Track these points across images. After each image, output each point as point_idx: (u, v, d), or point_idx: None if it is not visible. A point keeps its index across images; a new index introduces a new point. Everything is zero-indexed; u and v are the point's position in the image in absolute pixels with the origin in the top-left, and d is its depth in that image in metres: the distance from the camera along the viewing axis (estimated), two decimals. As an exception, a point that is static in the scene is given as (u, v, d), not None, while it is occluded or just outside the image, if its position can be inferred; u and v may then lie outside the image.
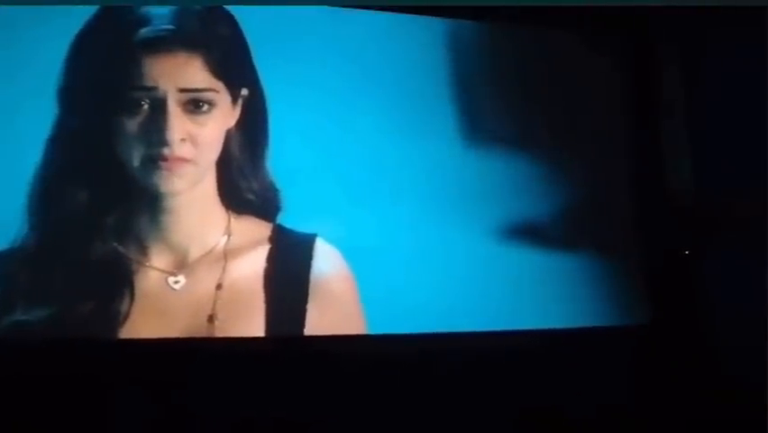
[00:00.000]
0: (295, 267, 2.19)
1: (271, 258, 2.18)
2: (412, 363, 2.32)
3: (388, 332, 2.32)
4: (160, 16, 2.07)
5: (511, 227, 2.54)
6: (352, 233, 2.32)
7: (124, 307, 2.06)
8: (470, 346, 2.40)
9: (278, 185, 2.21)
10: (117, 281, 2.07)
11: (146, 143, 2.04)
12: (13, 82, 2.12)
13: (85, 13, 2.11)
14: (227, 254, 2.15)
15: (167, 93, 2.04)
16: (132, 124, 2.04)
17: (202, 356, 2.15)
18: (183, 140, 2.05)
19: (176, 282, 2.11)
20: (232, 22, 2.20)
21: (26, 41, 2.15)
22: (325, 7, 2.45)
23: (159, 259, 2.11)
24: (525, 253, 2.53)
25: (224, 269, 2.14)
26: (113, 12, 2.10)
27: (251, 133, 2.18)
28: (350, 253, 2.27)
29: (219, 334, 2.11)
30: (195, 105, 2.07)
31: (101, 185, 2.08)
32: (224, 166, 2.15)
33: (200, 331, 2.10)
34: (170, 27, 2.06)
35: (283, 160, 2.25)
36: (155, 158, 2.04)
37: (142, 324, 2.06)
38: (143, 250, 2.11)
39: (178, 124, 2.04)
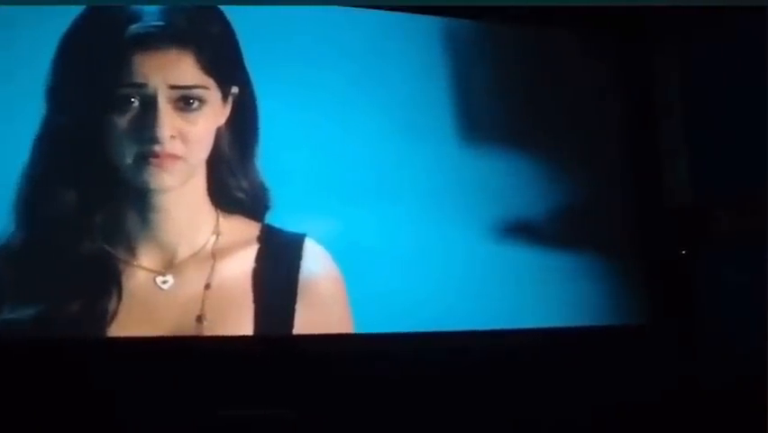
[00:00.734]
0: (284, 267, 2.19)
1: (260, 258, 2.18)
2: (406, 362, 2.32)
3: (384, 330, 2.33)
4: (151, 13, 2.07)
5: (508, 227, 2.54)
6: (350, 232, 2.33)
7: (112, 306, 2.06)
8: (465, 346, 2.41)
9: (269, 184, 2.20)
10: (105, 281, 2.07)
11: (137, 140, 2.04)
12: (5, 81, 2.12)
13: (75, 13, 2.11)
14: (216, 254, 2.14)
15: (157, 90, 2.04)
16: (123, 121, 2.04)
17: (190, 355, 2.15)
18: (173, 137, 2.05)
19: (164, 282, 2.10)
20: (222, 20, 2.19)
21: (19, 40, 2.14)
22: (321, 7, 2.43)
23: (147, 258, 2.11)
24: (523, 253, 2.53)
25: (212, 268, 2.13)
26: (102, 10, 2.09)
27: (241, 131, 2.18)
28: (346, 253, 2.27)
29: (207, 334, 2.11)
30: (185, 102, 2.07)
31: (90, 183, 2.09)
32: (214, 164, 2.15)
33: (189, 331, 2.10)
34: (161, 24, 2.06)
35: (275, 158, 2.24)
36: (146, 155, 2.04)
37: (130, 324, 2.06)
38: (132, 249, 2.10)
39: (169, 121, 2.04)
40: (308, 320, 2.19)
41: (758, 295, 2.46)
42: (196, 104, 2.08)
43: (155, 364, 2.13)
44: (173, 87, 2.05)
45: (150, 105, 2.04)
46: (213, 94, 2.11)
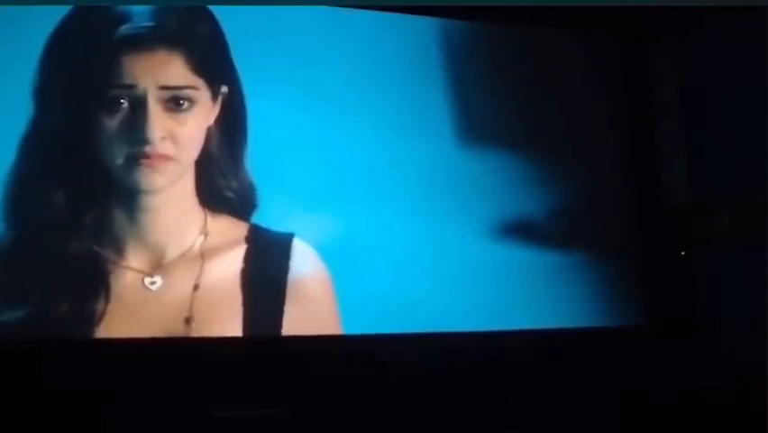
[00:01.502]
0: (272, 267, 2.19)
1: (248, 258, 2.18)
2: (399, 364, 2.31)
3: (376, 331, 2.33)
4: (140, 14, 2.06)
5: (505, 227, 2.53)
6: (345, 232, 2.33)
7: (100, 307, 2.06)
8: (460, 347, 2.41)
9: (258, 183, 2.20)
10: (94, 281, 2.07)
11: (127, 142, 2.04)
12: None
13: (63, 13, 2.11)
14: (204, 254, 2.14)
15: (147, 91, 2.04)
16: (113, 123, 2.04)
17: (180, 356, 2.15)
18: (164, 138, 2.05)
19: (152, 283, 2.10)
20: (211, 20, 2.19)
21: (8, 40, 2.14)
22: (317, 7, 2.43)
23: (135, 259, 2.11)
24: (520, 253, 2.53)
25: (201, 269, 2.13)
26: (90, 10, 2.09)
27: (230, 130, 2.17)
28: (340, 254, 2.28)
29: (196, 335, 2.11)
30: (175, 102, 2.06)
31: (78, 184, 2.08)
32: (203, 163, 2.15)
33: (177, 332, 2.10)
34: (150, 24, 2.06)
35: (265, 158, 2.24)
36: (137, 156, 2.04)
37: (118, 324, 2.06)
38: (120, 250, 2.10)
39: (159, 122, 2.04)
40: (297, 320, 2.19)
41: (758, 295, 2.44)
42: (186, 104, 2.08)
43: (144, 365, 2.13)
44: (163, 88, 2.05)
45: (139, 106, 2.03)
46: (202, 94, 2.11)
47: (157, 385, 2.13)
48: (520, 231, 2.54)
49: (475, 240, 2.49)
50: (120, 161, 2.05)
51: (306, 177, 2.33)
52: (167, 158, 2.06)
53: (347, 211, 2.36)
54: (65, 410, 2.04)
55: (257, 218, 2.21)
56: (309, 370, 2.24)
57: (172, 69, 2.07)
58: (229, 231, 2.18)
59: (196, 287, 2.12)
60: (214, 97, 2.14)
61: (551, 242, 2.57)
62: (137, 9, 2.07)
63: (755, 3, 2.36)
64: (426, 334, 2.38)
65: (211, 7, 2.20)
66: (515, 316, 2.49)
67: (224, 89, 2.15)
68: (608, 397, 2.48)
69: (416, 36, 2.53)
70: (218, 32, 2.18)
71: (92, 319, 2.05)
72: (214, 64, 2.15)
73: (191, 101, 2.08)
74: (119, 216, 2.10)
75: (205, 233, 2.16)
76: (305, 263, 2.21)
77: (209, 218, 2.16)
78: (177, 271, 2.12)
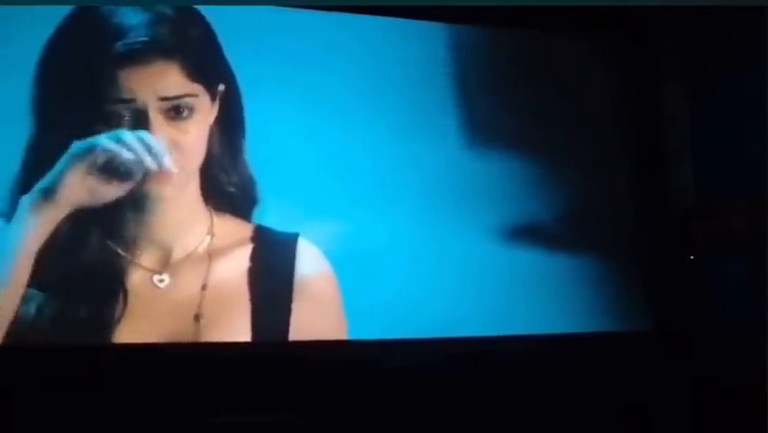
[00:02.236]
0: (278, 266, 2.21)
1: (254, 258, 2.21)
2: (405, 369, 2.33)
3: (386, 335, 2.34)
4: (133, 27, 2.08)
5: (512, 230, 2.54)
6: (350, 236, 2.34)
7: (111, 305, 2.09)
8: (467, 352, 2.40)
9: (260, 183, 2.23)
10: (105, 280, 2.10)
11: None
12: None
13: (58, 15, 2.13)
14: (211, 254, 2.17)
15: (147, 103, 2.06)
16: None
17: (187, 360, 2.18)
18: (169, 150, 2.07)
19: (161, 281, 2.14)
20: (202, 21, 2.21)
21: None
22: (324, 12, 2.46)
23: (144, 257, 2.14)
24: (526, 256, 2.53)
25: (208, 269, 2.16)
26: (82, 23, 2.11)
27: (229, 126, 2.20)
28: (346, 257, 2.29)
29: (205, 333, 2.14)
30: (176, 111, 2.09)
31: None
32: (206, 162, 2.18)
33: (186, 330, 2.13)
34: (144, 39, 2.08)
35: (269, 162, 2.27)
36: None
37: (128, 322, 2.09)
38: (130, 248, 2.13)
39: (162, 133, 2.07)
40: (303, 318, 2.21)
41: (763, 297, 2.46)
42: (186, 112, 2.10)
43: (151, 370, 2.15)
44: (163, 99, 2.08)
45: (141, 119, 2.07)
46: (202, 99, 2.14)
47: (163, 390, 2.16)
48: (526, 234, 2.55)
49: (481, 243, 2.49)
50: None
51: (310, 179, 2.35)
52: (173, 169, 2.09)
53: (352, 213, 2.37)
54: (78, 412, 2.07)
55: (260, 217, 2.24)
56: (311, 374, 2.26)
57: (170, 80, 2.09)
58: (235, 231, 2.22)
59: (204, 286, 2.15)
60: (213, 98, 2.17)
61: (557, 245, 2.58)
62: (129, 22, 2.08)
63: (756, 3, 2.38)
64: (431, 339, 2.39)
65: (203, 8, 2.23)
66: (520, 320, 2.49)
67: (221, 87, 2.18)
68: (615, 401, 2.48)
69: (422, 39, 2.55)
70: (210, 33, 2.21)
71: (104, 317, 2.08)
72: (210, 66, 2.18)
73: (191, 108, 2.11)
74: (130, 215, 2.13)
75: (211, 234, 2.19)
76: (310, 262, 2.23)
77: (215, 219, 2.20)
78: (185, 271, 2.15)
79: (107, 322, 2.08)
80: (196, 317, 2.14)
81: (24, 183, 2.05)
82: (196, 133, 2.13)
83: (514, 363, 2.41)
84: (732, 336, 2.58)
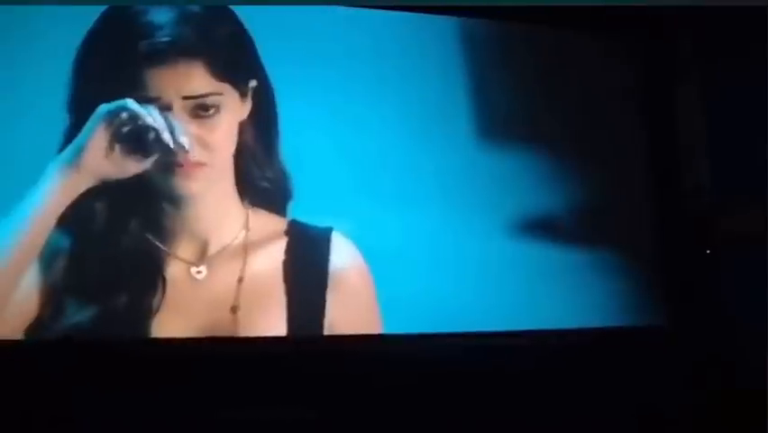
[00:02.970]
0: (313, 259, 2.25)
1: (289, 251, 2.24)
2: (419, 363, 2.35)
3: (401, 330, 2.35)
4: (160, 26, 2.12)
5: (526, 226, 2.56)
6: (365, 231, 2.34)
7: (152, 297, 2.13)
8: (482, 346, 2.42)
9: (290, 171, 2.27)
10: (146, 272, 2.14)
11: (160, 152, 2.11)
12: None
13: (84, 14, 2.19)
14: (247, 248, 2.22)
15: (171, 102, 2.10)
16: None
17: (223, 355, 2.21)
18: (193, 146, 2.11)
19: (198, 273, 2.18)
20: (231, 18, 2.25)
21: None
22: (340, 7, 2.50)
23: (182, 250, 2.18)
24: (543, 251, 2.55)
25: (244, 262, 2.20)
26: (115, 21, 2.17)
27: (262, 121, 2.24)
28: (364, 253, 2.31)
29: (242, 324, 2.17)
30: (202, 109, 2.12)
31: (122, 187, 2.13)
32: (240, 157, 2.22)
33: (223, 321, 2.16)
34: (168, 39, 2.11)
35: (295, 153, 2.31)
36: (171, 165, 2.12)
37: (167, 312, 2.13)
38: (168, 241, 2.18)
39: (187, 131, 2.11)
40: (339, 311, 2.24)
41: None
42: (212, 110, 2.13)
43: (183, 364, 2.19)
44: (187, 98, 2.11)
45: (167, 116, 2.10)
46: (228, 97, 2.17)
47: (195, 384, 2.19)
48: (541, 229, 2.57)
49: (496, 238, 2.52)
50: (156, 170, 2.13)
51: (326, 177, 2.37)
52: (200, 165, 2.13)
53: (368, 211, 2.38)
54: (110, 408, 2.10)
55: (294, 212, 2.28)
56: (326, 369, 2.28)
57: (194, 79, 2.12)
58: (269, 225, 2.25)
59: (240, 279, 2.19)
60: (243, 95, 2.20)
61: (572, 240, 2.59)
62: (156, 21, 2.13)
63: (756, 3, 2.47)
64: (446, 333, 2.40)
65: (235, 8, 2.27)
66: (535, 314, 2.50)
67: (253, 83, 2.22)
68: (629, 395, 2.49)
69: (437, 35, 2.59)
70: (240, 31, 2.24)
71: (145, 309, 2.12)
72: (238, 64, 2.21)
73: (217, 106, 2.14)
74: (166, 209, 2.17)
75: (247, 228, 2.23)
76: (344, 256, 2.27)
77: (250, 213, 2.24)
78: (221, 263, 2.19)
79: (147, 312, 2.12)
80: (233, 309, 2.17)
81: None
82: (224, 130, 2.17)
83: (529, 358, 2.43)
84: (743, 334, 2.61)
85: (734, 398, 2.53)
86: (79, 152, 2.06)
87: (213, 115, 2.14)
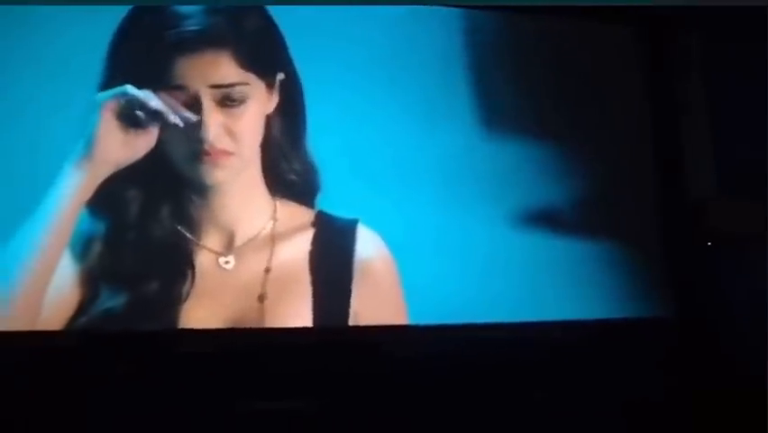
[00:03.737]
0: (339, 250, 2.28)
1: (316, 242, 2.27)
2: (422, 355, 2.38)
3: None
4: (187, 16, 2.15)
5: (529, 218, 2.58)
6: (372, 223, 2.35)
7: (182, 286, 2.16)
8: (487, 337, 2.44)
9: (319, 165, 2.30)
10: (175, 262, 2.17)
11: (187, 140, 2.14)
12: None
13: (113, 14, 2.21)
14: (274, 238, 2.24)
15: (199, 91, 2.12)
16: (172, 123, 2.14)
17: (249, 346, 2.24)
18: (220, 134, 2.14)
19: (226, 263, 2.20)
20: (259, 11, 2.28)
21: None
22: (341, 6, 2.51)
23: (210, 240, 2.21)
24: (546, 243, 2.58)
25: (271, 252, 2.23)
26: (143, 13, 2.20)
27: (290, 114, 2.27)
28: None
29: (269, 313, 2.19)
30: (228, 99, 2.14)
31: (152, 177, 2.17)
32: (267, 150, 2.25)
33: (251, 310, 2.19)
34: (196, 28, 2.13)
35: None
36: (198, 153, 2.14)
37: (196, 303, 2.16)
38: (197, 231, 2.21)
39: (214, 119, 2.13)
40: (364, 301, 2.27)
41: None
42: (239, 100, 2.15)
43: (211, 355, 2.22)
44: (214, 87, 2.13)
45: (194, 105, 2.12)
46: (255, 88, 2.19)
47: (221, 374, 2.22)
48: (543, 221, 2.59)
49: (500, 230, 2.53)
50: (183, 158, 2.16)
51: (331, 168, 2.36)
52: (226, 153, 2.15)
53: (373, 201, 2.39)
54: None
55: (322, 204, 2.31)
56: (321, 361, 2.30)
57: (221, 68, 2.14)
58: (297, 216, 2.28)
59: (267, 269, 2.21)
60: (270, 87, 2.22)
61: (575, 232, 2.62)
62: (186, 11, 2.16)
63: (756, 3, 2.53)
64: (449, 325, 2.41)
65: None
66: (538, 306, 2.52)
67: (281, 76, 2.24)
68: (630, 386, 2.52)
69: (441, 26, 2.62)
70: (268, 23, 2.26)
71: (176, 297, 2.15)
72: (265, 56, 2.22)
73: (244, 96, 2.16)
74: (195, 200, 2.20)
75: (274, 218, 2.26)
76: (370, 247, 2.30)
77: (278, 204, 2.27)
78: (249, 253, 2.22)
79: (176, 300, 2.15)
80: (260, 298, 2.19)
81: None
82: (251, 120, 2.19)
83: (533, 350, 2.45)
84: (741, 326, 2.66)
85: (734, 390, 2.57)
86: (90, 143, 2.08)
87: (239, 104, 2.16)
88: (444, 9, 2.63)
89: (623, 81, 2.85)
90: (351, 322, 2.27)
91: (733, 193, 2.77)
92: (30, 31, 2.27)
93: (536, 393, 2.44)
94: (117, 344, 2.12)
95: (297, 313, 2.22)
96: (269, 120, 2.25)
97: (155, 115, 2.11)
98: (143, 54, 2.15)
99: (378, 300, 2.29)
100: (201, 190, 2.19)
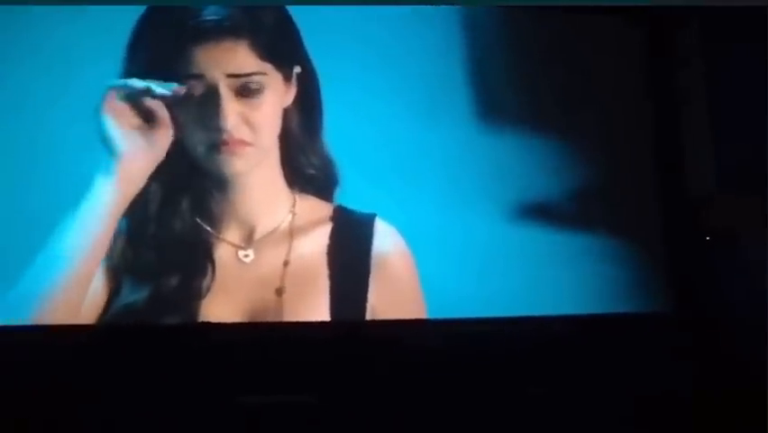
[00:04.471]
0: (357, 244, 2.28)
1: (334, 236, 2.27)
2: (421, 350, 2.39)
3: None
4: (206, 6, 2.15)
5: (527, 212, 2.59)
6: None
7: (202, 279, 2.16)
8: (485, 332, 2.46)
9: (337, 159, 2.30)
10: (196, 255, 2.17)
11: (205, 130, 2.13)
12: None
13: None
14: (293, 232, 2.24)
15: (216, 79, 2.11)
16: (189, 112, 2.13)
17: (266, 339, 2.24)
18: (238, 123, 2.13)
19: (245, 256, 2.20)
20: (277, 8, 2.27)
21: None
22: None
23: (230, 233, 2.21)
24: (542, 237, 2.58)
25: (290, 246, 2.23)
26: (162, 8, 2.20)
27: (307, 109, 2.26)
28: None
29: (287, 307, 2.19)
30: (246, 89, 2.13)
31: (172, 169, 2.15)
32: (285, 143, 2.25)
33: (269, 304, 2.19)
34: (214, 17, 2.13)
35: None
36: (216, 143, 2.13)
37: (216, 296, 2.16)
38: (217, 225, 2.21)
39: (232, 109, 2.12)
40: (382, 295, 2.27)
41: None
42: (256, 90, 2.15)
43: (229, 348, 2.22)
44: (231, 76, 2.13)
45: (212, 94, 2.12)
46: (272, 78, 2.18)
47: (240, 367, 2.23)
48: (542, 215, 2.60)
49: (498, 224, 2.54)
50: (201, 147, 2.14)
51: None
52: (244, 143, 2.14)
53: (369, 194, 2.38)
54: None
55: (340, 198, 2.31)
56: (320, 356, 2.31)
57: (238, 58, 2.13)
58: (315, 210, 2.28)
59: (286, 262, 2.21)
60: (287, 79, 2.22)
61: (574, 226, 2.63)
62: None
63: (756, 3, 2.56)
64: (447, 320, 2.41)
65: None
66: (535, 300, 2.53)
67: (298, 69, 2.24)
68: (631, 381, 2.53)
69: (439, 21, 2.62)
70: (285, 16, 2.27)
71: (196, 291, 2.15)
72: (282, 47, 2.21)
73: (261, 86, 2.15)
74: (214, 193, 2.20)
75: (293, 212, 2.26)
76: (387, 241, 2.30)
77: (297, 198, 2.27)
78: (268, 247, 2.22)
79: (197, 294, 2.15)
80: (278, 292, 2.19)
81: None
82: (268, 109, 2.18)
83: (528, 344, 2.47)
84: (741, 322, 2.67)
85: (733, 386, 2.59)
86: (114, 153, 2.06)
87: (257, 94, 2.15)
88: (445, 7, 2.64)
89: (623, 77, 2.87)
90: (368, 316, 2.27)
91: (733, 189, 2.78)
92: (32, 31, 2.30)
93: (533, 388, 2.46)
94: (138, 337, 2.11)
95: (315, 307, 2.22)
96: (286, 113, 2.24)
97: (164, 101, 2.11)
98: (162, 44, 2.14)
99: (395, 294, 2.29)
100: (220, 182, 2.19)
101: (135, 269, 2.11)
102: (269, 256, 2.21)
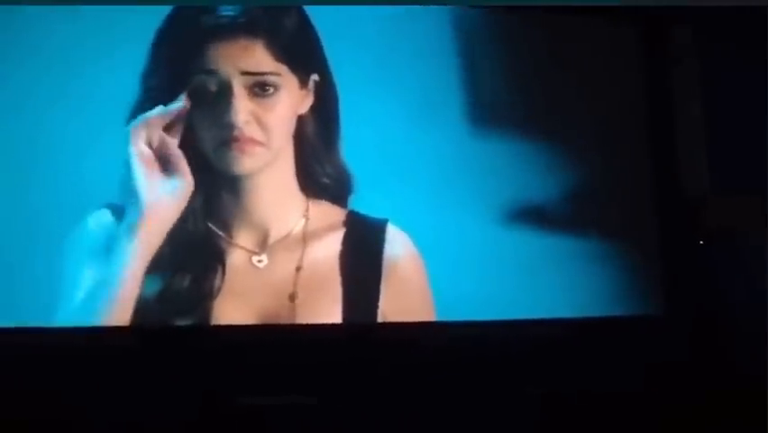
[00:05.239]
0: (369, 250, 2.27)
1: (346, 241, 2.27)
2: (415, 352, 2.39)
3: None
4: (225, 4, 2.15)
5: (520, 214, 2.58)
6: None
7: (216, 283, 2.15)
8: (479, 336, 2.46)
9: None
10: (210, 260, 2.16)
11: (216, 126, 2.12)
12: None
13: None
14: (306, 237, 2.23)
15: (230, 76, 2.10)
16: (202, 109, 2.13)
17: (279, 342, 2.24)
18: (250, 122, 2.11)
19: (259, 261, 2.19)
20: (297, 11, 2.26)
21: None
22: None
23: (243, 239, 2.20)
24: (535, 240, 2.57)
25: (303, 251, 2.22)
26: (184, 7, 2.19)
27: (323, 118, 2.25)
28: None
29: (300, 312, 2.19)
30: (260, 87, 2.12)
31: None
32: (300, 150, 2.23)
33: (282, 309, 2.18)
34: (231, 14, 2.12)
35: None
36: (227, 140, 2.11)
37: (229, 301, 2.15)
38: (230, 230, 2.19)
39: (244, 106, 2.11)
40: (393, 300, 2.27)
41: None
42: (271, 90, 2.13)
43: (241, 350, 2.23)
44: (245, 74, 2.12)
45: (225, 91, 2.11)
46: (287, 80, 2.17)
47: (253, 369, 2.24)
48: (535, 218, 2.59)
49: (491, 227, 2.54)
50: (212, 145, 2.13)
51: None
52: (254, 141, 2.12)
53: (362, 196, 2.35)
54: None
55: (353, 205, 2.31)
56: (324, 357, 2.32)
57: (254, 56, 2.12)
58: (328, 216, 2.28)
59: (298, 267, 2.21)
60: (303, 85, 2.20)
61: (567, 229, 2.62)
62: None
63: (756, 3, 2.57)
64: (440, 322, 2.40)
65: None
66: (528, 304, 2.53)
67: (315, 77, 2.23)
68: (623, 385, 2.54)
69: (430, 22, 2.60)
70: (304, 20, 2.25)
71: (208, 296, 2.15)
72: (300, 52, 2.20)
73: (276, 87, 2.14)
74: (226, 197, 2.18)
75: (306, 217, 2.25)
76: (399, 246, 2.30)
77: (310, 203, 2.26)
78: (281, 252, 2.21)
79: (210, 297, 2.15)
80: (291, 297, 2.19)
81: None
82: (281, 111, 2.16)
83: (523, 348, 2.47)
84: (736, 324, 2.70)
85: (732, 388, 2.59)
86: (141, 207, 2.07)
87: (270, 94, 2.14)
88: (437, 8, 2.62)
89: (617, 77, 2.85)
90: (379, 321, 2.27)
91: (728, 190, 2.80)
92: (32, 31, 2.28)
93: (529, 389, 2.48)
94: (150, 339, 2.12)
95: (327, 312, 2.23)
96: (302, 120, 2.23)
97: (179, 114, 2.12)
98: (180, 41, 2.14)
99: (406, 299, 2.30)
100: (232, 184, 2.17)
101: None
102: (282, 261, 2.20)
